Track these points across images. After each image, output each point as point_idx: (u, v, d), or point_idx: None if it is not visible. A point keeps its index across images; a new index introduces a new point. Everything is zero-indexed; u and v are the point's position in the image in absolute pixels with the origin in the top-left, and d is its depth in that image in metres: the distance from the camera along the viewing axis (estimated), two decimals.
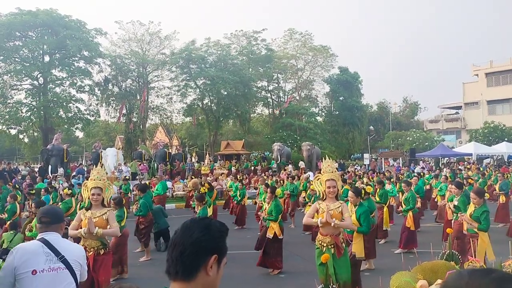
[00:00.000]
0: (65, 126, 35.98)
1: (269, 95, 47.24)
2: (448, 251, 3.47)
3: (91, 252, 5.39)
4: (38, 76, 33.88)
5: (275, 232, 8.10)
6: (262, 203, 10.14)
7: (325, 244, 5.48)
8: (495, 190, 13.65)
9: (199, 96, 40.51)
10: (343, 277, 5.41)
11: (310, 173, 22.99)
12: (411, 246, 9.20)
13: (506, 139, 35.59)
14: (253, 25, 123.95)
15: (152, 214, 10.14)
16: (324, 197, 5.68)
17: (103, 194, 5.65)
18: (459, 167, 25.94)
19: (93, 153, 26.50)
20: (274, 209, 8.28)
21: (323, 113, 49.27)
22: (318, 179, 5.88)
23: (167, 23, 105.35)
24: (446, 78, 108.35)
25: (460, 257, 3.64)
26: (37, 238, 3.30)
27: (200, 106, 41.04)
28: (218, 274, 1.63)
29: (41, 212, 3.45)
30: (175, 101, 41.59)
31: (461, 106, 53.19)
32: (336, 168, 6.46)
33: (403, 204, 9.69)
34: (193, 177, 21.97)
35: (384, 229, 10.63)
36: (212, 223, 1.69)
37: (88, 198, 5.63)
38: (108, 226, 5.51)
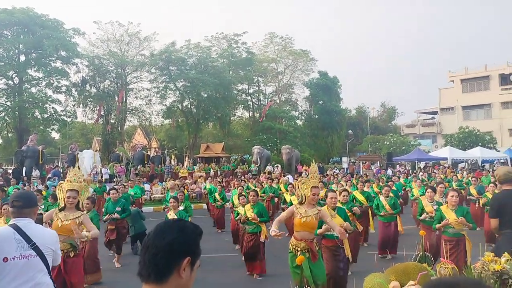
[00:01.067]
0: (41, 127, 35.29)
1: (249, 98, 47.33)
2: (421, 253, 3.54)
3: (61, 255, 5.28)
4: (13, 75, 33.16)
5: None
6: (234, 209, 9.78)
7: (299, 249, 5.50)
8: (468, 194, 13.92)
9: (178, 98, 40.29)
10: (320, 279, 5.45)
11: (289, 176, 23.11)
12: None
13: (480, 144, 36.43)
14: (233, 28, 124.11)
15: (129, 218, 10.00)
16: (304, 201, 5.69)
17: (79, 197, 5.53)
18: (434, 170, 26.44)
19: (69, 155, 26.07)
20: (263, 210, 8.30)
21: (302, 117, 49.62)
22: (304, 183, 5.85)
23: (146, 24, 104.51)
24: (423, 84, 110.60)
25: (432, 259, 3.72)
26: (9, 224, 3.26)
27: (180, 108, 40.81)
28: (191, 277, 1.62)
29: (13, 196, 3.40)
30: (154, 103, 41.32)
31: (437, 111, 54.35)
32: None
33: (388, 208, 9.66)
34: (172, 179, 21.84)
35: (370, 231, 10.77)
36: (186, 225, 1.67)
37: (63, 199, 5.50)
38: (85, 230, 5.40)
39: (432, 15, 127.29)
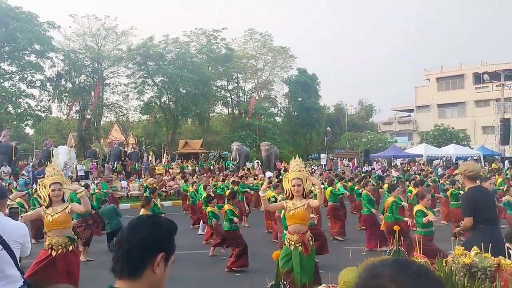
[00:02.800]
0: (14, 122, 34.45)
1: (228, 94, 47.21)
2: (395, 248, 3.62)
3: (60, 251, 5.21)
4: None
5: None
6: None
7: (292, 242, 5.50)
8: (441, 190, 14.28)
9: (157, 94, 39.87)
10: (308, 276, 5.42)
11: (269, 173, 23.19)
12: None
13: (454, 141, 37.30)
14: (212, 24, 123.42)
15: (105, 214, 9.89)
16: (291, 195, 5.70)
17: (63, 189, 5.49)
18: (409, 167, 26.94)
19: (44, 151, 25.57)
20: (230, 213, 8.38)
21: (282, 114, 49.79)
22: (286, 177, 5.91)
23: (124, 18, 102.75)
24: (399, 82, 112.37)
25: (406, 253, 3.80)
26: None
27: (158, 104, 40.41)
28: (165, 273, 1.61)
29: None
30: (131, 99, 40.81)
31: (413, 109, 55.35)
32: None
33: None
34: (149, 176, 21.66)
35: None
36: (160, 220, 1.66)
37: (48, 195, 5.41)
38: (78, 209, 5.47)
39: (407, 14, 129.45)
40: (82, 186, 5.45)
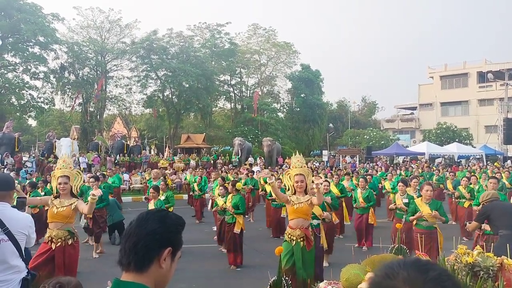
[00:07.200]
0: (17, 113, 34.48)
1: (231, 89, 47.07)
2: (397, 245, 3.63)
3: (59, 243, 5.24)
4: None
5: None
6: (214, 199, 9.53)
7: (294, 238, 5.49)
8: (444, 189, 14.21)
9: (159, 88, 39.81)
10: (309, 271, 5.44)
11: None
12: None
13: (457, 140, 37.21)
14: (216, 18, 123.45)
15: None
16: (294, 191, 5.73)
17: (71, 183, 5.51)
18: (412, 165, 26.86)
19: (47, 142, 25.65)
20: (240, 202, 8.25)
21: (284, 109, 49.63)
22: (288, 174, 5.94)
23: (128, 11, 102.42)
24: (403, 79, 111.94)
25: (408, 251, 3.81)
26: None
27: (161, 98, 40.37)
28: (171, 267, 1.63)
29: None
30: (134, 92, 40.69)
31: (416, 107, 55.19)
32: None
33: (361, 201, 9.73)
34: (151, 169, 21.67)
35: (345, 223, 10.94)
36: (168, 215, 1.68)
37: (56, 187, 5.47)
38: (83, 209, 5.41)
39: (411, 12, 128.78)
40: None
